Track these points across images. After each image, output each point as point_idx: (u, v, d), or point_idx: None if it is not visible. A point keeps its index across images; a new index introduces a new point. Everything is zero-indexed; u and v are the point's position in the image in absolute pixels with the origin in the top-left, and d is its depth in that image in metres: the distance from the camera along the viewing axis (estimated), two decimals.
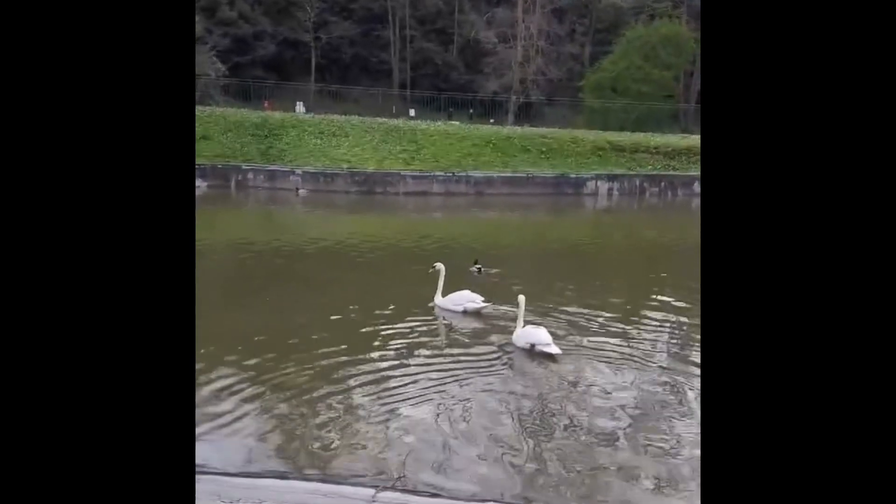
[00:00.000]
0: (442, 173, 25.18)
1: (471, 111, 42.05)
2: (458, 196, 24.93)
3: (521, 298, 7.97)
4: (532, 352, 7.40)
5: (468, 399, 6.18)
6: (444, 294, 9.37)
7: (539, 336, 7.43)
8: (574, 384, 6.64)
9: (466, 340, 8.11)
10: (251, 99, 36.18)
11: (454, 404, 6.04)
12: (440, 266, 9.54)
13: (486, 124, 33.80)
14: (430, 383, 6.52)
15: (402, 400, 6.11)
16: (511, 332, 7.88)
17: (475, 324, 8.75)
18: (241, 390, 6.16)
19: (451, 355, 7.48)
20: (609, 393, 6.44)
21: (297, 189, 24.42)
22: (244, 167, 24.95)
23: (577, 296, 10.30)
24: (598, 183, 25.87)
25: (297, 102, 39.17)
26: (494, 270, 11.95)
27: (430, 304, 9.36)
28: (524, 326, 7.76)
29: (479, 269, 11.81)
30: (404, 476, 4.80)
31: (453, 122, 31.85)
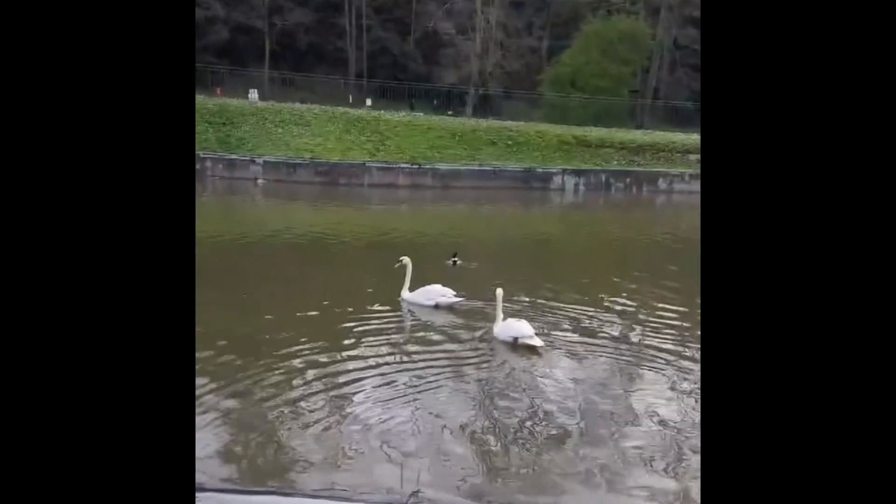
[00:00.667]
0: (408, 165, 24.73)
1: (435, 101, 41.48)
2: (425, 189, 24.52)
3: (499, 292, 7.96)
4: (515, 345, 7.42)
5: (454, 397, 6.03)
6: (412, 288, 9.14)
7: (522, 329, 7.44)
8: (557, 377, 6.65)
9: (445, 335, 7.90)
10: (207, 86, 34.90)
11: (441, 404, 5.84)
12: (406, 260, 9.35)
13: (445, 115, 33.32)
14: (415, 382, 6.30)
15: (386, 401, 5.85)
16: (488, 327, 7.93)
17: (450, 318, 8.55)
18: (202, 396, 5.68)
19: (432, 351, 7.33)
20: (601, 385, 6.50)
21: (256, 179, 23.67)
22: (202, 155, 23.99)
23: (552, 290, 10.15)
24: (565, 177, 25.79)
25: (251, 90, 38.05)
26: (473, 265, 11.78)
27: (399, 299, 9.09)
28: (505, 320, 7.74)
29: (455, 261, 11.66)
30: (419, 491, 4.40)
31: (417, 113, 31.23)
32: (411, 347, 7.41)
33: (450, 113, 37.89)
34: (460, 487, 4.60)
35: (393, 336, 7.78)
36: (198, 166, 23.97)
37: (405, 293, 9.18)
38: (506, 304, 8.12)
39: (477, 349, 7.47)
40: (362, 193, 23.57)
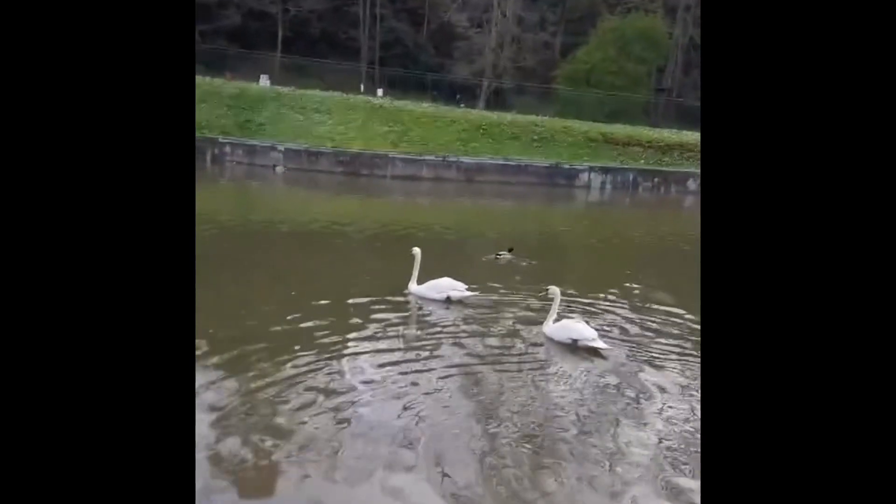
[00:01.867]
0: (432, 157, 24.18)
1: (458, 95, 40.95)
2: (448, 182, 24.03)
3: (556, 290, 7.59)
4: (574, 346, 7.04)
5: (516, 401, 5.69)
6: (420, 281, 8.79)
7: (582, 331, 7.07)
8: (625, 384, 6.29)
9: (478, 332, 7.48)
10: (219, 70, 34.25)
11: (497, 410, 5.49)
12: (417, 251, 8.94)
13: (457, 108, 32.80)
14: (455, 383, 5.96)
15: (422, 408, 5.41)
16: (506, 321, 7.83)
17: (468, 312, 8.24)
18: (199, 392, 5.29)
19: (467, 349, 6.92)
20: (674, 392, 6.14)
21: (275, 166, 23.12)
22: (221, 140, 23.42)
23: (594, 290, 9.75)
24: (592, 175, 25.31)
25: (262, 75, 37.48)
26: (525, 263, 11.46)
27: (405, 292, 8.80)
28: (559, 320, 7.42)
29: (499, 256, 11.46)
30: None
31: (438, 106, 30.63)
32: (422, 342, 7.08)
33: (462, 106, 37.45)
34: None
35: (402, 329, 7.45)
36: (216, 151, 23.47)
37: (412, 286, 8.81)
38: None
39: (523, 350, 7.09)
40: (385, 185, 23.05)
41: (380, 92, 39.54)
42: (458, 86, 42.98)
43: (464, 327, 7.59)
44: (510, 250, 11.54)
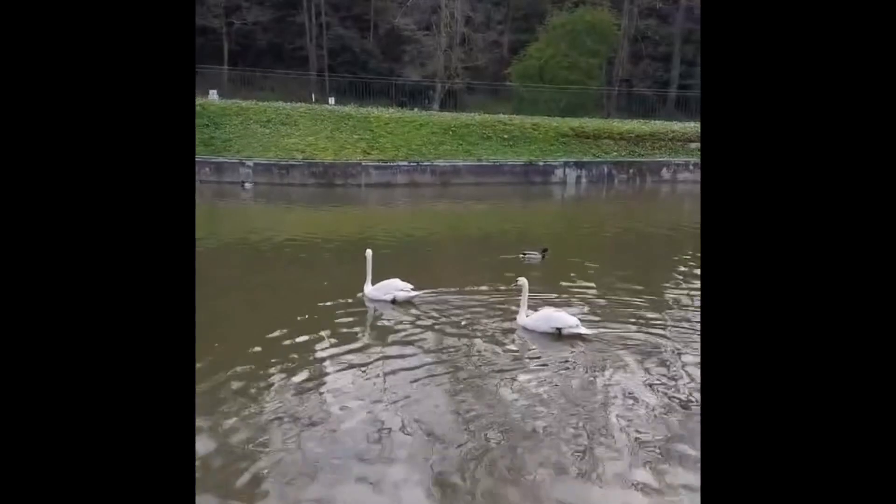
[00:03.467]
0: (405, 163, 23.76)
1: (403, 99, 40.45)
2: (424, 186, 23.70)
3: (523, 281, 7.73)
4: (558, 335, 7.24)
5: (505, 394, 5.83)
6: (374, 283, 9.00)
7: (566, 319, 7.24)
8: (605, 369, 6.50)
9: (443, 329, 7.67)
10: None
11: (490, 405, 5.61)
12: (369, 253, 9.08)
13: (424, 112, 32.41)
14: (445, 389, 6.01)
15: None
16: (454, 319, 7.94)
17: (414, 312, 8.36)
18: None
19: (432, 347, 7.08)
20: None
21: (244, 183, 22.39)
22: None
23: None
24: (567, 170, 25.21)
25: (210, 90, 36.48)
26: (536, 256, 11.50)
27: (360, 294, 8.93)
28: (541, 310, 7.61)
29: (523, 255, 11.37)
30: None
31: (404, 111, 30.13)
32: (382, 344, 7.22)
33: (415, 109, 37.05)
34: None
35: (360, 333, 7.63)
36: None
37: (367, 288, 8.89)
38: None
39: (502, 344, 7.23)
40: (359, 194, 22.58)
41: (331, 100, 38.95)
42: (409, 89, 42.61)
43: (425, 325, 7.80)
44: (544, 251, 11.33)
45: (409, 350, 6.95)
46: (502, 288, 8.94)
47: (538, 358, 6.82)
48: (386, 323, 8.00)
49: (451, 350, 6.96)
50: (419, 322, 7.92)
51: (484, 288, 9.32)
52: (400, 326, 7.80)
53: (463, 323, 7.83)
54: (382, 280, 8.78)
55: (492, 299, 8.80)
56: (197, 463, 4.47)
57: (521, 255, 11.33)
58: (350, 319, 8.04)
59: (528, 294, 7.65)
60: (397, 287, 8.67)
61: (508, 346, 7.14)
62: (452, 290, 9.14)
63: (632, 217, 18.89)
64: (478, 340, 7.27)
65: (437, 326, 7.70)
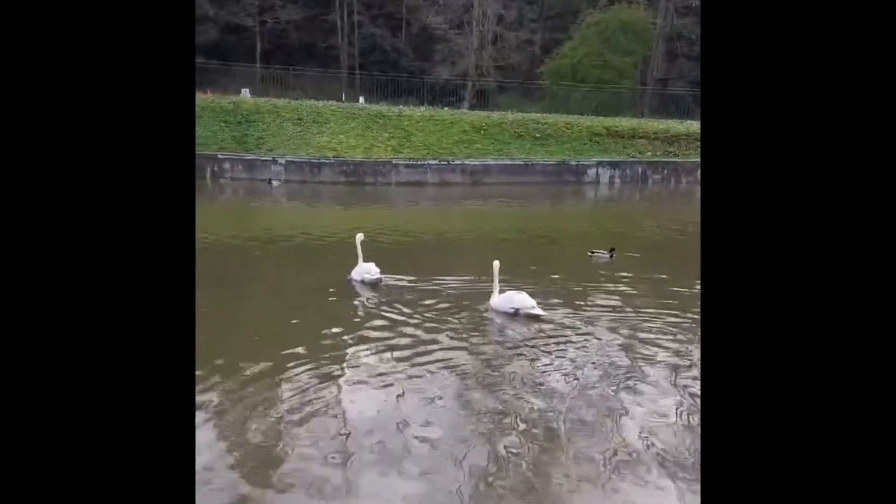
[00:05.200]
0: (436, 161, 23.57)
1: (461, 94, 40.44)
2: (454, 185, 23.48)
3: (496, 264, 8.22)
4: (515, 316, 7.86)
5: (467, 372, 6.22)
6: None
7: (524, 301, 7.85)
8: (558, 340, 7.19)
9: (420, 315, 8.02)
10: (202, 85, 33.39)
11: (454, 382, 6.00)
12: (359, 236, 9.74)
13: (456, 111, 32.23)
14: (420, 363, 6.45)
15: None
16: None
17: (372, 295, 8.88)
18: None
19: (426, 327, 7.50)
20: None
21: (270, 181, 22.32)
22: (220, 156, 22.63)
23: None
24: (600, 170, 24.82)
25: (243, 89, 36.74)
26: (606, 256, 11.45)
27: (348, 278, 9.47)
28: (504, 292, 8.10)
29: (592, 253, 11.41)
30: None
31: (437, 109, 29.98)
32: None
33: (445, 108, 36.92)
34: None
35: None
36: (216, 168, 22.69)
37: (355, 271, 9.53)
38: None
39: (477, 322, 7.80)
40: (389, 192, 22.41)
41: (362, 99, 38.98)
42: (439, 88, 42.50)
43: (396, 309, 8.22)
44: (612, 251, 11.23)
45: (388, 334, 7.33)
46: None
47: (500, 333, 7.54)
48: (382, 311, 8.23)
49: (433, 331, 7.43)
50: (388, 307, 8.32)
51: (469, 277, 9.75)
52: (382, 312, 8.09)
53: (442, 308, 8.34)
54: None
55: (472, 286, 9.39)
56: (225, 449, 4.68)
57: (590, 254, 11.32)
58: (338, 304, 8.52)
59: (498, 275, 8.21)
60: (365, 270, 9.27)
61: (483, 325, 7.78)
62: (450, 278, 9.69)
63: (666, 217, 18.47)
64: (456, 319, 7.88)
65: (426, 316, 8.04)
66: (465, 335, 7.31)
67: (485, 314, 8.06)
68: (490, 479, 4.45)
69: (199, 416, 5.13)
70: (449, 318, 7.86)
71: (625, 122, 27.34)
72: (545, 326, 7.64)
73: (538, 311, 7.80)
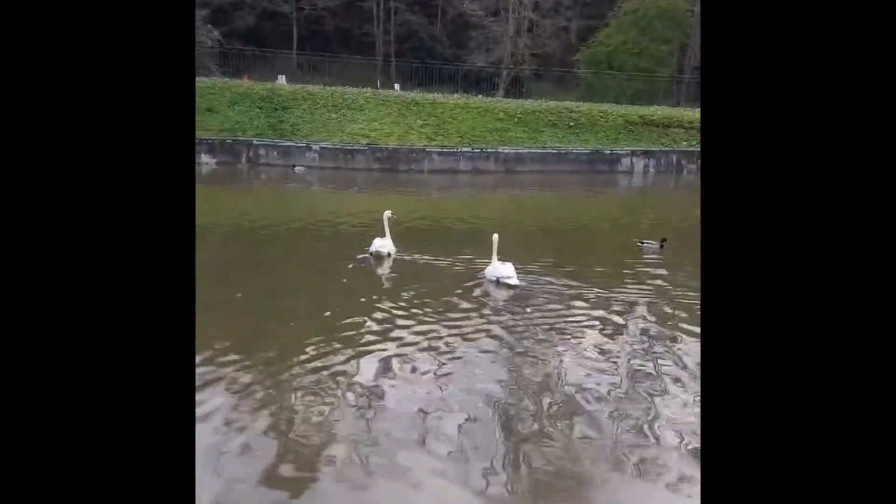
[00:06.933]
0: (469, 149, 23.59)
1: (496, 82, 40.34)
2: (487, 174, 23.48)
3: (495, 237, 9.26)
4: (497, 284, 8.89)
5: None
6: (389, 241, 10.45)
7: (504, 271, 8.90)
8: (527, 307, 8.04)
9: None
10: (241, 71, 33.72)
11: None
12: (387, 213, 10.55)
13: (488, 98, 32.12)
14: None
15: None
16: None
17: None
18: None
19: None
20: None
21: (294, 166, 22.47)
22: (255, 142, 22.91)
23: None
24: (634, 159, 24.64)
25: (279, 76, 37.03)
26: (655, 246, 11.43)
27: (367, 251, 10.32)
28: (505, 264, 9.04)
29: (641, 243, 11.43)
30: None
31: (470, 96, 29.90)
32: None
33: (479, 96, 36.80)
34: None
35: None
36: (251, 154, 22.97)
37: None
38: None
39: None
40: (422, 180, 22.47)
41: (397, 86, 39.04)
42: (474, 75, 42.37)
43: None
44: (663, 241, 11.27)
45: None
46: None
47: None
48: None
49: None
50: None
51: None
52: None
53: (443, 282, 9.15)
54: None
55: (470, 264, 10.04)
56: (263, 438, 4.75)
57: (639, 244, 11.37)
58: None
59: (496, 246, 9.17)
60: (378, 245, 10.18)
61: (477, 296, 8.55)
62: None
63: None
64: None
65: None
66: (504, 318, 7.68)
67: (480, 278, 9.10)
68: (522, 461, 4.56)
69: (230, 397, 5.33)
70: (502, 309, 8.16)
71: (660, 112, 27.05)
72: (585, 309, 8.11)
73: (514, 282, 8.76)
